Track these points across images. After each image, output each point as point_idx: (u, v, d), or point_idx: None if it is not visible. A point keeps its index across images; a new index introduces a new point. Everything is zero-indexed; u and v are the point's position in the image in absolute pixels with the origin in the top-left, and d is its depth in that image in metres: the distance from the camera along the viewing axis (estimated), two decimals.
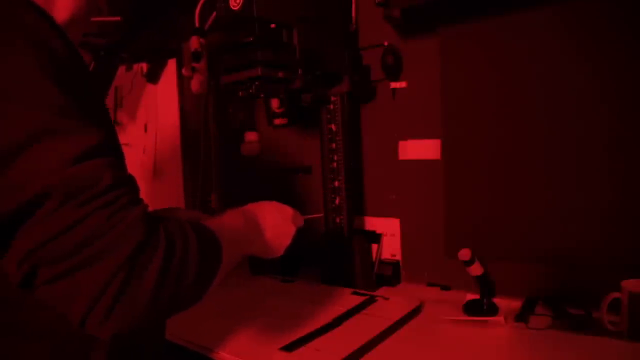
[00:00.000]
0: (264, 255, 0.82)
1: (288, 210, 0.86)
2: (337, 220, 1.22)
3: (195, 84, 1.40)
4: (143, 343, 0.76)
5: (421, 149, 1.21)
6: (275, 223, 0.82)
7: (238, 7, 0.93)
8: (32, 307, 0.58)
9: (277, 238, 0.82)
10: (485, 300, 1.03)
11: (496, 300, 1.04)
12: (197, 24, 1.30)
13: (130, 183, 0.54)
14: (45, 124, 0.48)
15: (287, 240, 0.84)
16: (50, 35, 0.54)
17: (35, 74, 0.50)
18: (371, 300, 1.10)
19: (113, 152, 0.54)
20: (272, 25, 0.96)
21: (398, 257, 1.27)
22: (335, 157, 1.21)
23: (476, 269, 1.04)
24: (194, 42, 1.34)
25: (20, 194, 0.46)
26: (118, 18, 0.91)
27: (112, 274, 0.47)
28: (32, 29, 0.53)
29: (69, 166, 0.47)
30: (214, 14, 1.25)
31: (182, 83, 1.74)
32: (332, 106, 1.20)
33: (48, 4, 0.63)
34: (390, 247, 1.28)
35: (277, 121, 1.47)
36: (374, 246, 1.28)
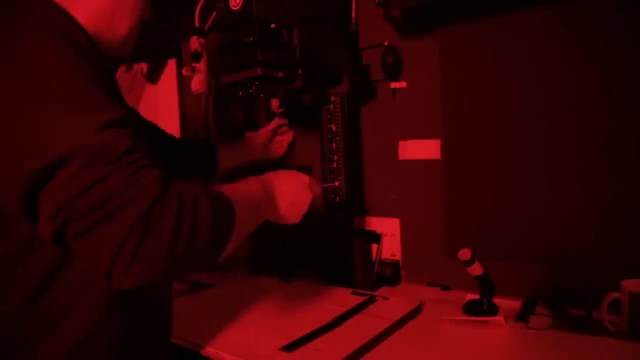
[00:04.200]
0: (281, 221, 0.84)
1: (305, 178, 0.88)
2: (337, 199, 1.22)
3: (195, 84, 1.40)
4: (149, 343, 0.77)
5: (421, 149, 1.21)
6: (292, 190, 0.85)
7: (238, 7, 0.93)
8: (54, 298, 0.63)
9: (293, 205, 0.84)
10: (485, 300, 1.03)
11: (496, 300, 1.05)
12: (197, 24, 1.30)
13: (146, 151, 0.59)
14: (74, 100, 0.55)
15: (304, 207, 0.86)
16: (79, 36, 0.63)
17: (69, 67, 0.57)
18: (371, 300, 1.10)
19: (132, 127, 0.59)
20: (272, 25, 0.96)
21: (398, 257, 1.27)
22: (335, 157, 1.21)
23: (476, 269, 1.04)
24: (194, 42, 1.34)
25: (45, 155, 0.52)
26: None
27: (131, 227, 0.52)
28: (63, 28, 0.62)
29: (92, 133, 0.53)
30: (214, 14, 1.25)
31: (182, 83, 1.74)
32: (332, 106, 1.20)
33: (113, 22, 0.73)
34: (390, 247, 1.28)
35: None
36: (374, 246, 1.28)
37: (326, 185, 0.93)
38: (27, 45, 0.57)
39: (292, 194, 0.84)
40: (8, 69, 0.56)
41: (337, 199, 1.21)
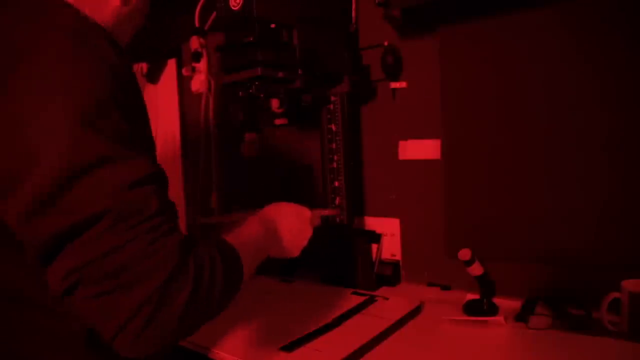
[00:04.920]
0: (280, 256, 0.85)
1: (306, 213, 0.88)
2: (337, 220, 1.22)
3: (195, 84, 1.40)
4: None
5: (421, 149, 1.21)
6: (293, 227, 0.85)
7: (238, 7, 0.93)
8: (64, 315, 0.60)
9: (294, 240, 0.85)
10: (485, 300, 1.03)
11: (496, 300, 1.04)
12: (197, 24, 1.30)
13: (171, 209, 0.57)
14: (106, 151, 0.51)
15: (303, 242, 0.87)
16: (116, 60, 0.58)
17: (99, 98, 0.53)
18: (371, 300, 1.10)
19: (159, 178, 0.57)
20: (272, 25, 0.96)
21: (398, 257, 1.27)
22: (335, 157, 1.21)
23: (476, 269, 1.04)
24: (194, 42, 1.34)
25: (75, 215, 0.49)
26: None
27: (146, 300, 0.50)
28: (103, 53, 0.57)
29: (124, 191, 0.51)
30: (214, 14, 1.25)
31: (182, 83, 1.74)
32: (332, 106, 1.20)
33: (95, 12, 0.66)
34: (390, 247, 1.28)
35: (277, 121, 1.47)
36: (374, 246, 1.28)
37: (326, 214, 0.93)
38: (62, 66, 0.53)
39: (293, 231, 0.84)
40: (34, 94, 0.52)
41: (338, 219, 1.21)
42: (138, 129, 0.58)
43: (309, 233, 0.87)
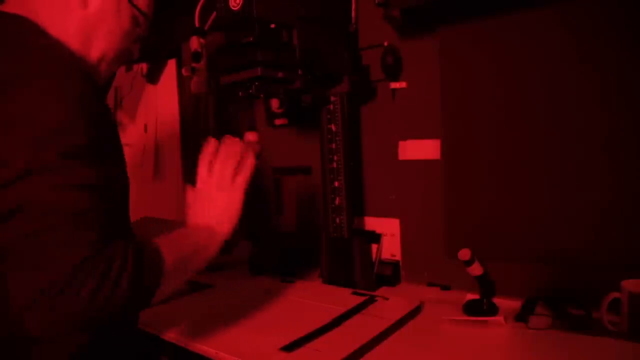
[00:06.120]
0: (231, 229, 0.84)
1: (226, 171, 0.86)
2: (337, 220, 1.22)
3: (195, 84, 1.40)
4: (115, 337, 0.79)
5: (421, 149, 1.21)
6: (216, 200, 0.84)
7: (238, 7, 0.93)
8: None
9: (225, 211, 0.84)
10: (485, 300, 1.03)
11: (496, 300, 1.04)
12: (197, 24, 1.30)
13: (102, 214, 0.62)
14: (49, 162, 0.59)
15: (235, 204, 0.85)
16: (84, 87, 0.66)
17: (60, 119, 0.61)
18: (371, 300, 1.10)
19: (100, 190, 0.63)
20: (272, 25, 0.96)
21: (398, 257, 1.27)
22: (335, 157, 1.21)
23: (476, 269, 1.04)
24: (194, 42, 1.34)
25: (8, 205, 0.58)
26: None
27: (55, 281, 0.56)
28: (71, 81, 0.65)
29: (50, 191, 0.59)
30: (214, 14, 1.25)
31: (182, 83, 1.73)
32: (332, 106, 1.20)
33: (85, 44, 0.75)
34: (390, 247, 1.28)
35: (277, 121, 1.47)
36: (374, 246, 1.28)
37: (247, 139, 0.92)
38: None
39: (218, 205, 0.84)
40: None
41: (338, 219, 1.21)
42: (99, 150, 0.64)
43: (238, 194, 0.85)
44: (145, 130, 1.89)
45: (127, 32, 0.81)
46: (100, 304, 0.58)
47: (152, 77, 1.85)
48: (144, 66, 1.85)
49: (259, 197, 1.55)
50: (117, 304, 0.60)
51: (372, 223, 1.31)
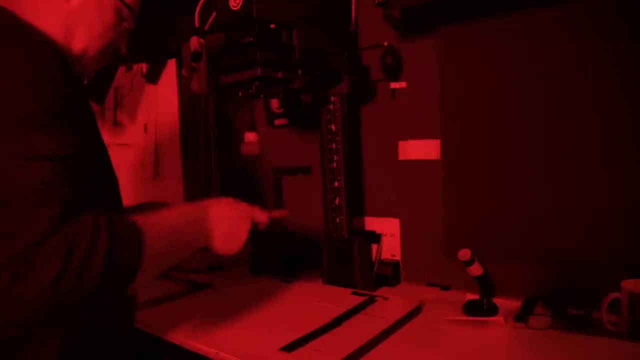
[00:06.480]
0: (216, 251, 0.83)
1: (242, 207, 0.86)
2: (337, 220, 1.22)
3: (195, 84, 1.40)
4: (109, 334, 0.77)
5: (421, 149, 1.21)
6: (228, 218, 0.83)
7: (238, 7, 0.93)
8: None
9: (229, 233, 0.83)
10: (485, 300, 1.03)
11: (496, 300, 1.04)
12: (197, 24, 1.30)
13: (64, 187, 0.60)
14: (3, 129, 0.57)
15: (241, 236, 0.85)
16: (46, 58, 0.64)
17: (18, 85, 0.59)
18: (371, 300, 1.10)
19: (61, 161, 0.60)
20: (272, 25, 0.96)
21: (398, 257, 1.27)
22: (335, 157, 1.21)
23: (476, 269, 1.04)
24: (194, 42, 1.34)
25: None
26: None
27: (13, 256, 0.53)
28: (31, 49, 0.64)
29: (4, 162, 0.57)
30: (214, 14, 1.25)
31: (182, 83, 1.73)
32: (332, 106, 1.20)
33: (68, 37, 0.75)
34: (390, 247, 1.28)
35: (277, 121, 1.47)
36: (374, 246, 1.28)
37: (274, 215, 0.90)
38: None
39: (228, 223, 0.82)
40: None
41: (338, 219, 1.20)
42: (64, 122, 0.62)
43: (246, 226, 0.85)
44: (145, 130, 1.89)
45: (111, 26, 0.79)
46: (67, 285, 0.55)
47: (152, 77, 1.85)
48: (144, 66, 1.85)
49: (259, 197, 1.55)
50: (91, 283, 0.57)
51: (372, 223, 1.31)
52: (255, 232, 0.86)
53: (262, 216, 0.89)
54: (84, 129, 0.70)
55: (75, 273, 0.55)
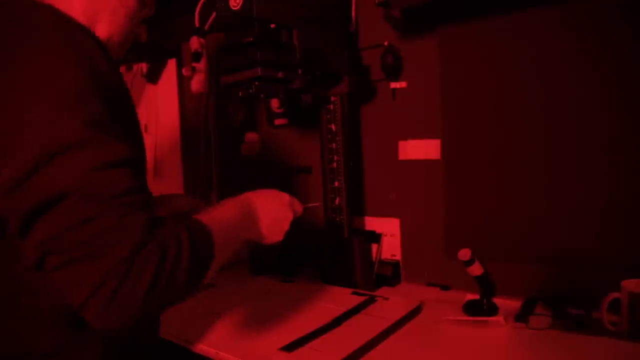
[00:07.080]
0: (263, 240, 0.84)
1: (285, 197, 0.87)
2: (337, 220, 1.22)
3: (195, 84, 1.40)
4: (138, 341, 0.77)
5: (421, 149, 1.21)
6: (273, 208, 0.84)
7: (238, 7, 0.93)
8: (49, 294, 0.63)
9: (275, 223, 0.84)
10: (485, 300, 1.03)
11: (496, 300, 1.04)
12: (197, 24, 1.30)
13: (143, 191, 0.59)
14: (81, 135, 0.55)
15: (285, 225, 0.86)
16: (94, 52, 0.62)
17: (78, 86, 0.57)
18: (371, 300, 1.10)
19: (134, 164, 0.59)
20: (272, 25, 0.96)
21: (398, 257, 1.27)
22: (335, 157, 1.21)
23: (476, 269, 1.04)
24: (194, 42, 1.34)
25: (45, 192, 0.53)
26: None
27: (109, 270, 0.52)
28: (81, 46, 0.61)
29: (95, 171, 0.54)
30: (214, 14, 1.25)
31: (182, 83, 1.73)
32: (332, 106, 1.20)
33: (94, 24, 0.73)
34: (390, 247, 1.28)
35: (277, 121, 1.47)
36: (374, 246, 1.28)
37: (308, 205, 0.92)
38: (36, 57, 0.57)
39: (273, 213, 0.83)
40: (14, 84, 0.56)
41: (338, 219, 1.21)
42: (118, 119, 0.60)
43: (290, 216, 0.86)
44: (146, 130, 1.89)
45: (133, 12, 0.78)
46: (161, 292, 0.55)
47: (152, 77, 1.85)
48: (144, 66, 1.85)
49: None
50: (179, 286, 0.57)
51: (372, 223, 1.31)
52: (295, 221, 0.87)
53: (299, 206, 0.90)
54: (135, 123, 0.71)
55: (166, 279, 0.56)
